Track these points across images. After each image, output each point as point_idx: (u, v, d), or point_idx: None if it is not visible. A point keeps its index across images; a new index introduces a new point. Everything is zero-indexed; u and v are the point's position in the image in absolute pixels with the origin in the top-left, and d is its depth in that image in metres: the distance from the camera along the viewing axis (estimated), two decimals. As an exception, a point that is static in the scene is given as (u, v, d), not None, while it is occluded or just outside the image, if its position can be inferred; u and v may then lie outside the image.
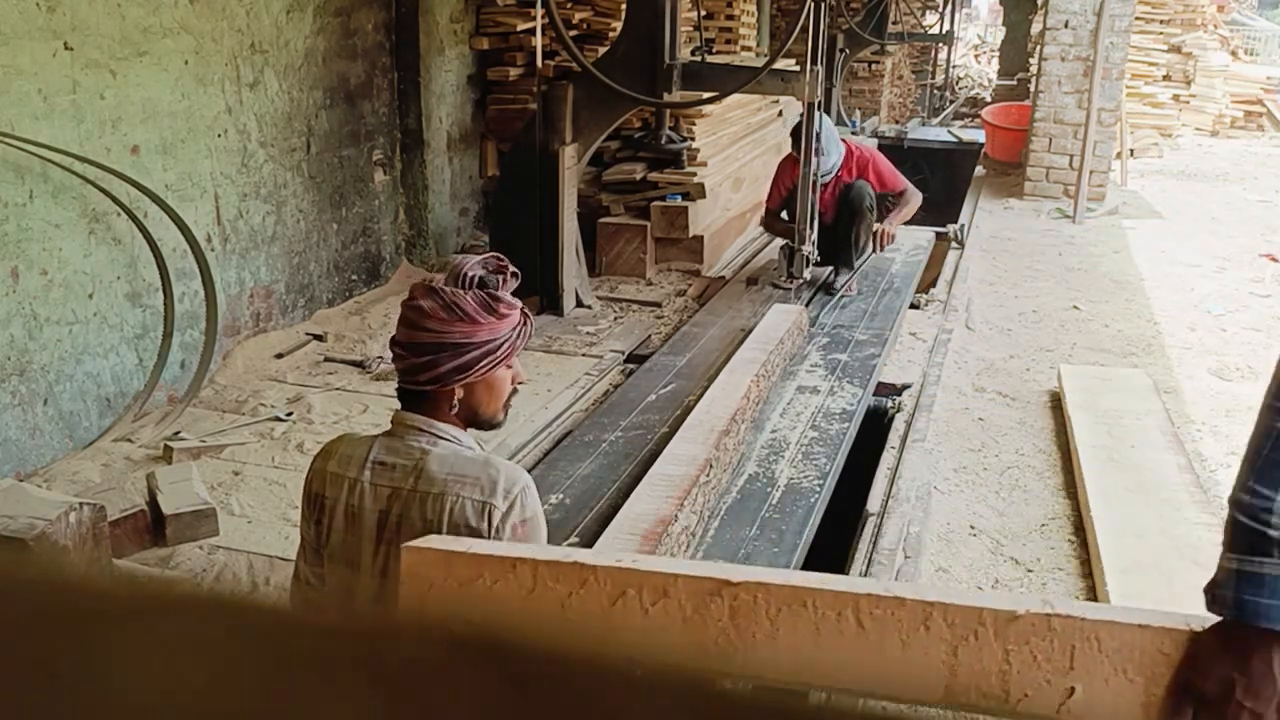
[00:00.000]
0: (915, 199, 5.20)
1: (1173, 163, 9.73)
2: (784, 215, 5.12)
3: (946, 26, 13.02)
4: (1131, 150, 8.89)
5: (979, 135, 9.70)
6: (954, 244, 6.32)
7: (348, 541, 1.72)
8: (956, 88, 15.77)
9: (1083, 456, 3.46)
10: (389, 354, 1.99)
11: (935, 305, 5.15)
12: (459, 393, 1.71)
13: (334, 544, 1.74)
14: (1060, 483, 3.49)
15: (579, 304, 5.04)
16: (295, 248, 4.66)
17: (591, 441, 3.34)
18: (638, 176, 5.79)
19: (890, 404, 3.94)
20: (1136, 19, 9.12)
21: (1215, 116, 11.54)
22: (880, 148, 6.76)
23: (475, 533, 1.63)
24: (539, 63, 5.06)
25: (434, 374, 1.67)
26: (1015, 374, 4.33)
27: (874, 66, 12.52)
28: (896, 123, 12.29)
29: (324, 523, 1.74)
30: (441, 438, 1.71)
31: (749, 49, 7.82)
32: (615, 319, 5.03)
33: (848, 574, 2.67)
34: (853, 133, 9.63)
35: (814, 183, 4.68)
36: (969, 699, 1.21)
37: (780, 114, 7.67)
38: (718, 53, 6.81)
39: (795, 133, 4.83)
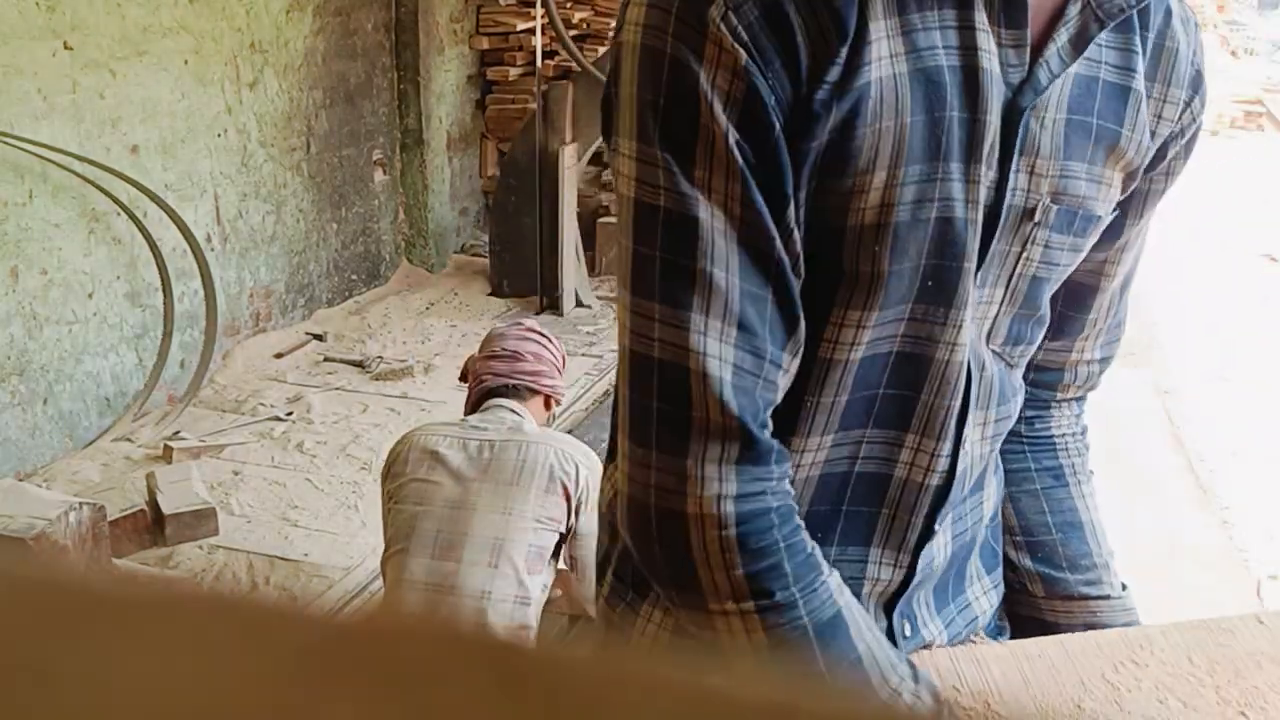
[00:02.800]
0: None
1: (1172, 163, 9.71)
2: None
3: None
4: (1131, 150, 8.88)
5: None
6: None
7: (423, 484, 1.96)
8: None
9: (1082, 456, 3.46)
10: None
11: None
12: (546, 401, 2.16)
13: (406, 489, 1.97)
14: (1060, 483, 3.49)
15: (579, 304, 5.04)
16: (295, 247, 4.66)
17: (591, 442, 3.34)
18: (637, 176, 5.79)
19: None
20: (1136, 19, 9.11)
21: (1215, 116, 11.53)
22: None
23: (565, 475, 1.96)
24: (539, 63, 5.06)
25: (544, 381, 2.12)
26: (1015, 374, 4.31)
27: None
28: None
29: (402, 474, 1.99)
30: (526, 419, 2.07)
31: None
32: (615, 319, 5.03)
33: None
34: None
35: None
36: None
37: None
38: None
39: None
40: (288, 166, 4.54)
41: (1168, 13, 0.85)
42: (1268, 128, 11.74)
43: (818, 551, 0.80)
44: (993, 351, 0.87)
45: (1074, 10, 0.78)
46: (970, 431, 0.86)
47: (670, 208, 0.75)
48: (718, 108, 0.73)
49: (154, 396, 3.78)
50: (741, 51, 0.72)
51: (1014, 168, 0.79)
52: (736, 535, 0.76)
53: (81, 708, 0.15)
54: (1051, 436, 1.05)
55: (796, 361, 0.79)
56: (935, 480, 0.85)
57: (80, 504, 2.58)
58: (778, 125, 0.74)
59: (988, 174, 0.78)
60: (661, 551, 0.78)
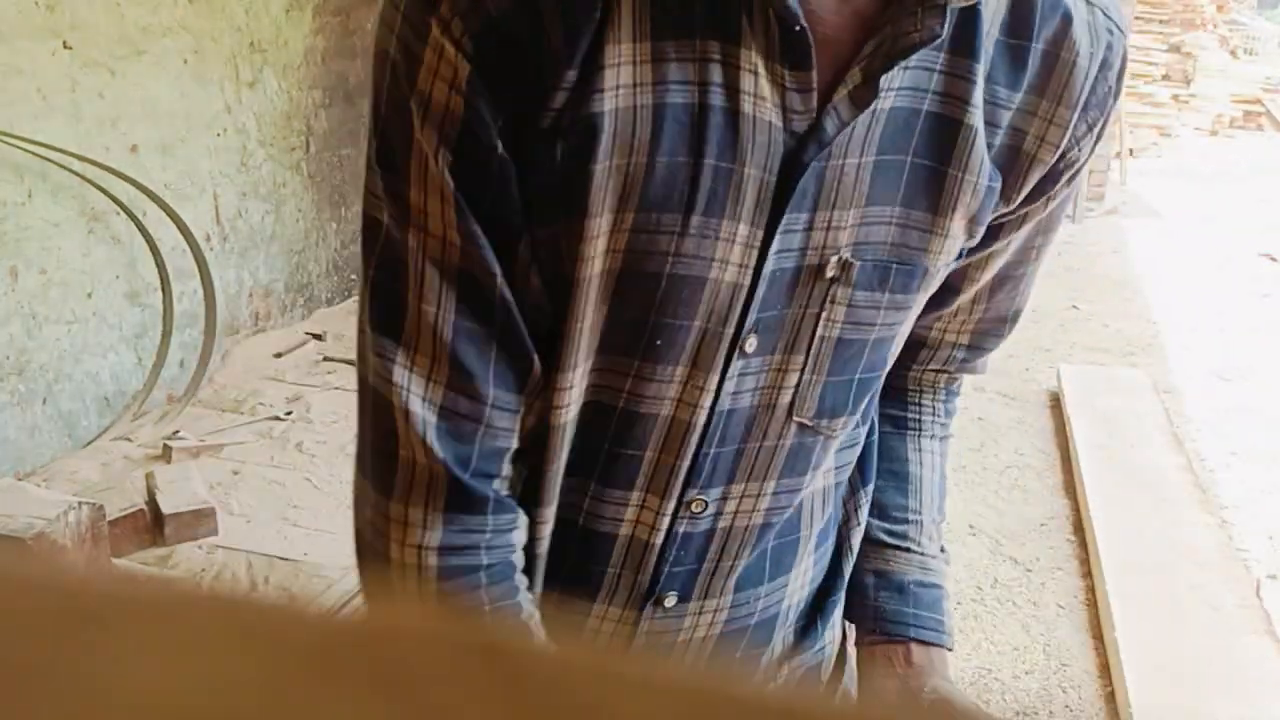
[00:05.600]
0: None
1: (1172, 162, 9.74)
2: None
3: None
4: (1130, 150, 8.90)
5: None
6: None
7: None
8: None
9: (1082, 456, 3.46)
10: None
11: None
12: None
13: None
14: (1059, 482, 3.49)
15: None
16: (294, 247, 4.66)
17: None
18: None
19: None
20: (1136, 19, 9.12)
21: (1215, 116, 11.54)
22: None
23: None
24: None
25: None
26: (1014, 374, 4.33)
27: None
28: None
29: None
30: None
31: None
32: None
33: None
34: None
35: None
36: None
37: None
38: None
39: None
40: (287, 166, 4.54)
41: (1066, 18, 0.72)
42: (1267, 127, 11.74)
43: (533, 618, 0.76)
44: (799, 424, 0.78)
45: (869, 49, 0.67)
46: (716, 497, 0.79)
47: (387, 228, 0.69)
48: (431, 123, 0.65)
49: (153, 396, 3.78)
50: (464, 64, 0.64)
51: (782, 227, 0.69)
52: (437, 592, 0.73)
53: (81, 708, 0.15)
54: (905, 389, 0.97)
55: (540, 403, 0.73)
56: (658, 539, 0.79)
57: (79, 504, 2.58)
58: (501, 150, 0.66)
59: (754, 232, 0.69)
60: (369, 590, 0.76)
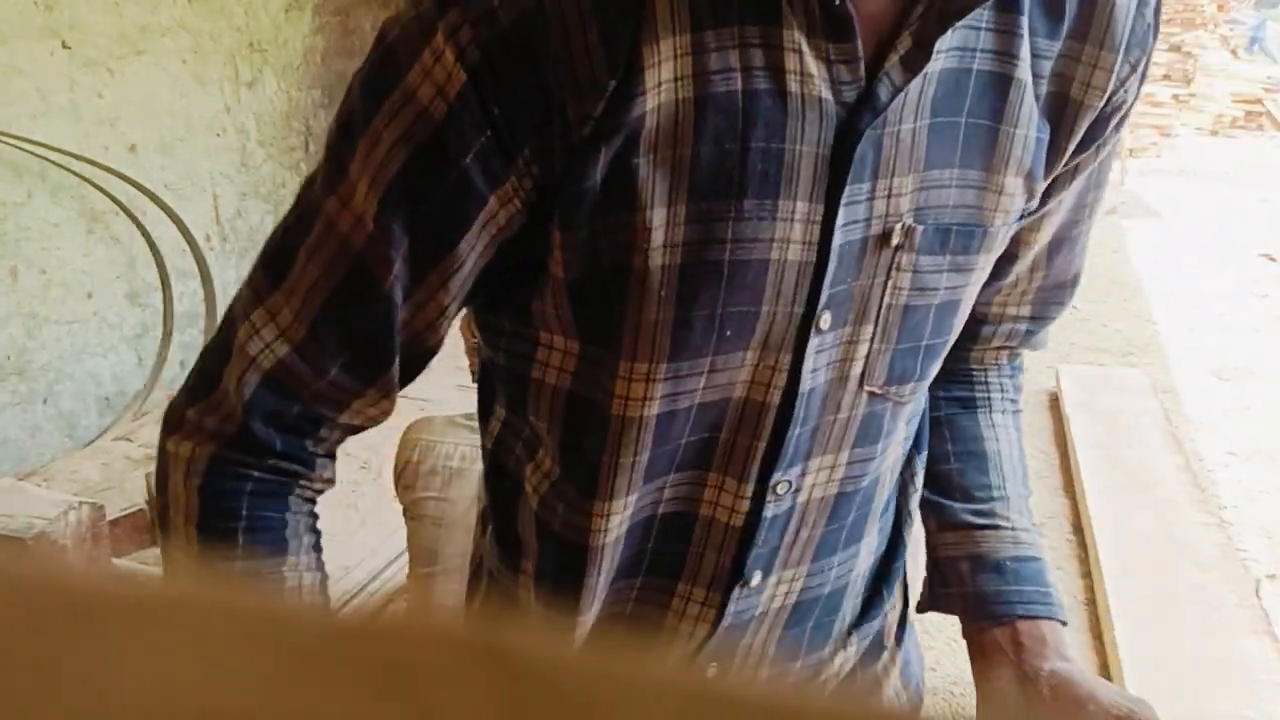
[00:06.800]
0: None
1: (1172, 162, 9.73)
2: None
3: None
4: (1130, 150, 8.89)
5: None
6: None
7: (440, 502, 1.91)
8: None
9: (1081, 456, 3.46)
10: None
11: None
12: None
13: (423, 505, 1.92)
14: (1059, 482, 3.49)
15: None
16: (294, 247, 4.66)
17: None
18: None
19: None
20: (1135, 19, 9.10)
21: (1215, 116, 11.53)
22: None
23: None
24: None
25: None
26: (1014, 373, 4.32)
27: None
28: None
29: (413, 486, 1.93)
30: None
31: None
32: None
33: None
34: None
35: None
36: None
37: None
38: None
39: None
40: (287, 166, 4.54)
41: None
42: (1268, 127, 11.74)
43: (298, 541, 0.77)
44: (869, 393, 0.78)
45: (918, 12, 0.66)
46: (796, 475, 0.79)
47: (317, 190, 0.70)
48: (402, 116, 0.65)
49: (154, 396, 3.77)
50: (462, 75, 0.63)
51: (845, 199, 0.69)
52: (200, 486, 0.77)
53: (81, 708, 0.15)
54: (969, 369, 0.96)
55: (387, 403, 0.75)
56: (739, 521, 0.79)
57: (80, 504, 2.57)
58: (470, 166, 0.65)
59: (814, 208, 0.68)
60: (155, 481, 0.81)
